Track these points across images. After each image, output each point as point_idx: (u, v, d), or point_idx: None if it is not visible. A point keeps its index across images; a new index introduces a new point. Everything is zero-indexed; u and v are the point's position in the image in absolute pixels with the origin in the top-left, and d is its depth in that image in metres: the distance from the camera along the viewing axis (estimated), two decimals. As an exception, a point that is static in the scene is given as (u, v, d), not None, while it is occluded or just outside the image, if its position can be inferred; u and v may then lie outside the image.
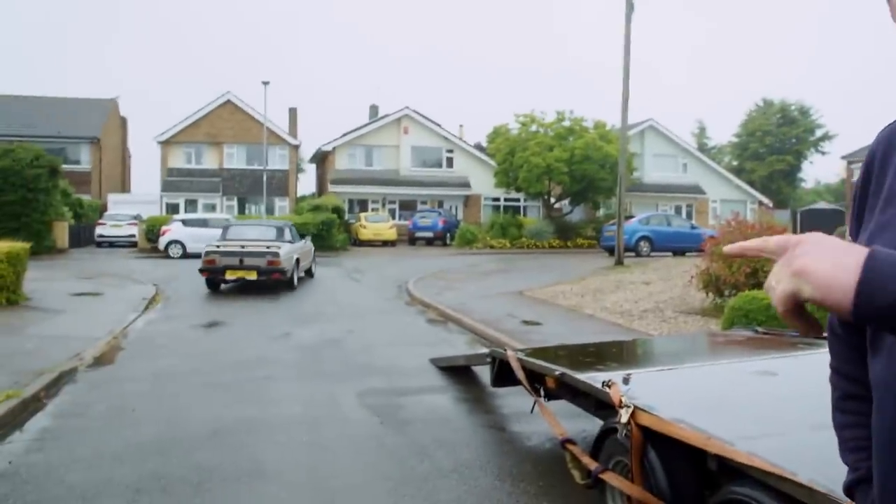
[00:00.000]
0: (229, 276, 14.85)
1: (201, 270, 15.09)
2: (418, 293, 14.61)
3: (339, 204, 33.60)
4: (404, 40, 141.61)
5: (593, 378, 4.12)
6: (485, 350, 6.71)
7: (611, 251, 23.21)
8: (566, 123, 32.91)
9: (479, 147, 42.32)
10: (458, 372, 7.50)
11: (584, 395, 4.36)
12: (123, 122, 47.98)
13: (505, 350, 5.62)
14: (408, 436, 5.53)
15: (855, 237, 1.12)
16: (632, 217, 28.36)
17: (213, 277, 15.12)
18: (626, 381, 4.03)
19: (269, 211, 37.21)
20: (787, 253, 0.84)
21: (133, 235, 30.87)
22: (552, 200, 34.61)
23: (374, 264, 23.40)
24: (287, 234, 16.50)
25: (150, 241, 28.26)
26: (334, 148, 40.37)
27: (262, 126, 36.12)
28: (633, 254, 25.03)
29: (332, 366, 8.14)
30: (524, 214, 38.73)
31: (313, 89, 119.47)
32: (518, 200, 39.03)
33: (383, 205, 39.78)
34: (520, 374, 4.90)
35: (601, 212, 36.94)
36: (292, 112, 44.52)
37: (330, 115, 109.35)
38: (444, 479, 4.63)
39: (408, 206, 39.68)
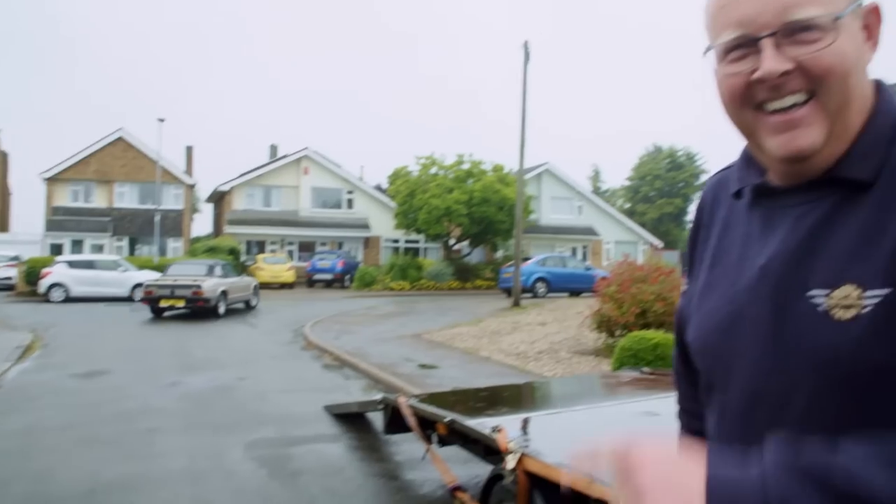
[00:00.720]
0: (163, 304, 18.44)
1: (142, 300, 19.02)
2: (315, 338, 14.35)
3: (235, 245, 32.85)
4: (304, 81, 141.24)
5: (482, 424, 4.12)
6: (378, 396, 6.63)
7: (508, 292, 23.61)
8: (465, 166, 33.52)
9: (379, 189, 42.42)
10: (352, 419, 7.36)
11: (475, 441, 4.36)
12: (4, 157, 45.54)
13: (397, 396, 5.57)
14: (297, 488, 5.36)
15: (689, 277, 1.18)
16: (529, 258, 28.98)
17: (152, 306, 18.58)
18: (519, 426, 4.05)
19: (162, 252, 35.93)
20: (624, 483, 0.82)
21: (10, 278, 29.07)
22: (451, 242, 34.99)
23: (270, 307, 22.88)
24: (217, 271, 19.96)
25: (29, 284, 26.69)
26: (232, 188, 39.56)
27: (156, 164, 35.05)
28: (530, 294, 25.52)
29: (221, 415, 7.84)
30: (424, 256, 38.88)
31: (211, 128, 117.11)
32: (418, 242, 39.20)
33: (282, 246, 39.14)
34: (411, 421, 4.86)
35: (500, 253, 37.59)
36: (189, 150, 43.50)
37: (228, 155, 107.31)
38: (332, 532, 4.49)
39: (307, 248, 39.19)
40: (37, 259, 28.44)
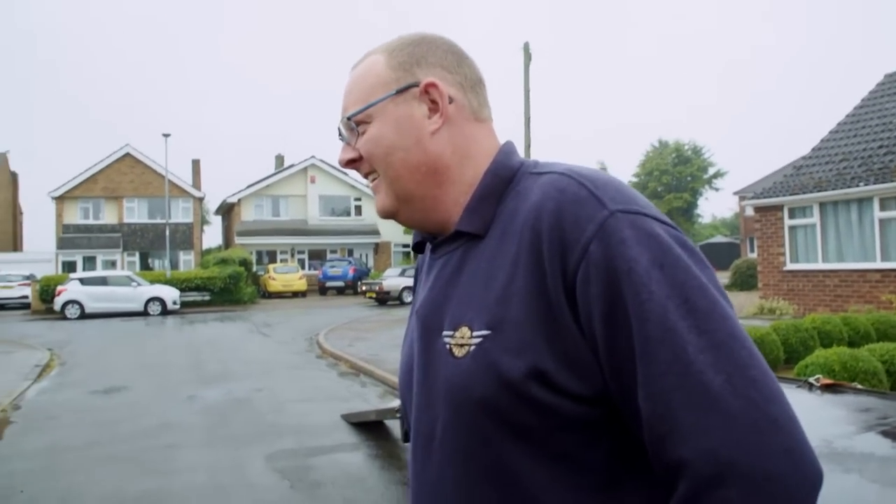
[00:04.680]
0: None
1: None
2: (329, 346, 14.39)
3: (246, 256, 32.96)
4: (307, 89, 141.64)
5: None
6: (396, 403, 6.65)
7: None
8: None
9: (387, 194, 42.44)
10: (370, 427, 7.38)
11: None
12: (14, 177, 45.93)
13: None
14: (318, 499, 5.39)
15: None
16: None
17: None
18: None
19: (174, 266, 36.13)
20: None
21: (26, 297, 29.35)
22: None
23: (283, 317, 22.95)
24: None
25: (44, 302, 26.91)
26: (240, 199, 39.76)
27: (164, 178, 35.23)
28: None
29: (239, 428, 7.88)
30: (435, 259, 38.84)
31: (217, 141, 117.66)
32: (428, 246, 39.19)
33: (292, 255, 39.26)
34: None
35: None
36: (195, 164, 43.71)
37: (235, 166, 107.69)
38: (356, 542, 4.52)
39: (317, 256, 39.32)
40: (50, 277, 28.66)
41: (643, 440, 0.86)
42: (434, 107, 1.05)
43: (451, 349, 0.97)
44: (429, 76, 1.05)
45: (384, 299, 26.81)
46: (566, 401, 0.89)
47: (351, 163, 1.09)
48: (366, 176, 1.10)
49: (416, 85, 1.05)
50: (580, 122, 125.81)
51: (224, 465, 6.38)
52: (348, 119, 1.07)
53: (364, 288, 28.53)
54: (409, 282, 27.01)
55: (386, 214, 1.11)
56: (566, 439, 0.90)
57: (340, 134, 1.10)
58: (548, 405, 0.89)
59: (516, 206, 0.99)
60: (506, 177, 1.04)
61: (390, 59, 1.07)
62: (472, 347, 0.94)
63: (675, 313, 0.84)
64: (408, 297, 26.80)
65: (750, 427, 0.79)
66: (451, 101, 1.05)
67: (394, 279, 27.49)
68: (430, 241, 1.15)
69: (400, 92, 1.05)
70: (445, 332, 0.99)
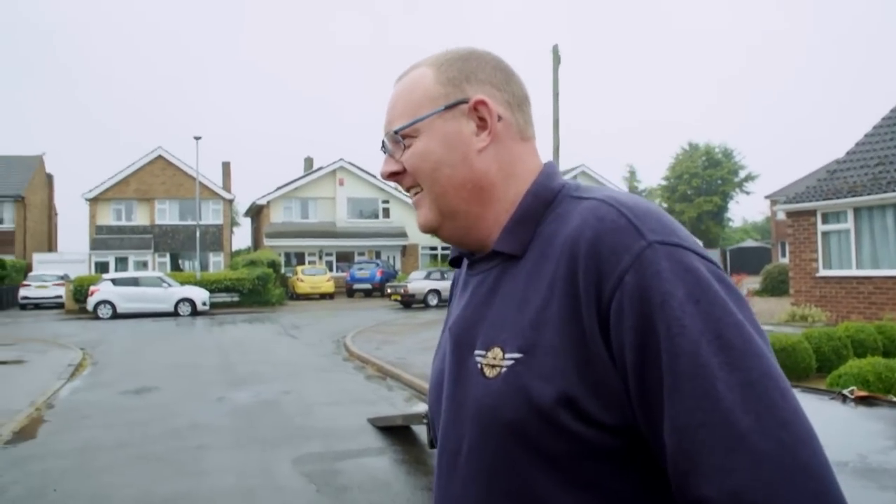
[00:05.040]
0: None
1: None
2: (356, 349, 14.45)
3: (274, 258, 33.22)
4: (336, 92, 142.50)
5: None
6: (422, 408, 6.65)
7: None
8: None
9: (415, 197, 42.54)
10: (396, 432, 7.40)
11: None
12: (49, 179, 46.76)
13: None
14: (344, 503, 5.41)
15: None
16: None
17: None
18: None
19: (204, 267, 36.52)
20: None
21: (60, 296, 29.86)
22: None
23: (311, 319, 23.10)
24: None
25: (77, 302, 27.36)
26: (269, 202, 40.09)
27: (195, 181, 35.65)
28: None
29: (267, 430, 7.94)
30: (462, 262, 38.83)
31: (247, 144, 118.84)
32: (456, 248, 39.20)
33: (320, 257, 39.49)
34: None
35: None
36: (225, 166, 44.14)
37: (265, 169, 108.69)
38: (382, 548, 4.52)
39: (345, 258, 39.51)
40: (83, 277, 29.13)
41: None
42: (482, 124, 1.05)
43: (482, 368, 0.98)
44: (478, 93, 1.05)
45: (409, 302, 26.83)
46: (594, 429, 0.89)
47: (394, 175, 1.09)
48: (408, 189, 1.10)
49: (465, 102, 1.05)
50: (603, 118, 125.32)
51: (252, 468, 6.43)
52: (395, 133, 1.07)
53: (389, 291, 28.59)
54: (435, 285, 27.07)
55: (428, 229, 1.10)
56: (593, 468, 0.90)
57: (384, 146, 1.10)
58: (576, 433, 0.89)
59: (555, 230, 0.99)
60: (546, 199, 1.04)
61: (439, 73, 1.07)
62: (504, 369, 0.94)
63: (708, 349, 0.83)
64: (433, 301, 26.82)
65: (778, 469, 0.77)
66: (499, 119, 1.06)
67: (419, 282, 27.55)
68: (467, 257, 1.15)
69: (449, 108, 1.05)
70: (478, 352, 1.00)
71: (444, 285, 26.72)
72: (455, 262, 1.23)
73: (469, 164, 1.04)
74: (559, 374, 0.90)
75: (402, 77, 1.12)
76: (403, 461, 6.57)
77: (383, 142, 1.10)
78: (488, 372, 0.96)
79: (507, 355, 0.95)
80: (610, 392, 0.88)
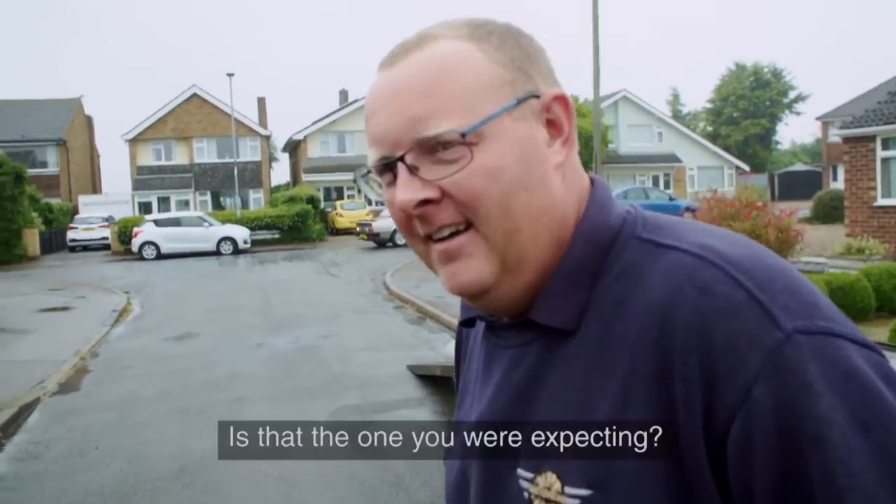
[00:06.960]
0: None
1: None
2: (396, 287, 14.34)
3: (313, 193, 33.18)
4: (370, 17, 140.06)
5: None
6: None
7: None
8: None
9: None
10: (436, 381, 7.26)
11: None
12: (89, 121, 47.06)
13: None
14: (382, 463, 5.29)
15: None
16: (609, 192, 28.18)
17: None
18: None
19: (244, 204, 36.71)
20: None
21: (106, 238, 30.33)
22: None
23: (351, 256, 23.08)
24: None
25: (123, 244, 27.77)
26: (305, 136, 39.86)
27: (231, 118, 35.50)
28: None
29: (305, 380, 7.88)
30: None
31: (281, 77, 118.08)
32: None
33: (359, 191, 39.35)
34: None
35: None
36: (261, 102, 43.90)
37: (301, 101, 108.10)
38: (420, 513, 4.40)
39: (384, 192, 39.33)
40: (127, 219, 29.49)
41: None
42: (554, 130, 0.74)
43: (531, 501, 0.70)
44: (548, 85, 0.75)
45: (381, 242, 25.35)
46: None
47: (424, 205, 0.70)
48: (439, 229, 0.72)
49: (536, 96, 0.73)
50: (649, 41, 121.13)
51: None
52: (464, 134, 0.68)
53: (357, 229, 27.34)
54: None
55: (478, 290, 0.73)
56: None
57: (401, 159, 0.71)
58: None
59: (624, 294, 0.69)
60: (604, 244, 0.73)
61: (493, 50, 0.72)
62: None
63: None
64: (400, 240, 24.03)
65: None
66: None
67: (384, 220, 24.86)
68: (484, 320, 0.83)
69: (520, 102, 0.72)
70: (522, 473, 0.71)
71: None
72: (468, 324, 0.91)
73: (548, 188, 0.72)
74: None
75: (409, 49, 0.73)
76: (443, 412, 6.43)
77: (403, 157, 0.71)
78: None
79: (570, 490, 0.67)
80: None
